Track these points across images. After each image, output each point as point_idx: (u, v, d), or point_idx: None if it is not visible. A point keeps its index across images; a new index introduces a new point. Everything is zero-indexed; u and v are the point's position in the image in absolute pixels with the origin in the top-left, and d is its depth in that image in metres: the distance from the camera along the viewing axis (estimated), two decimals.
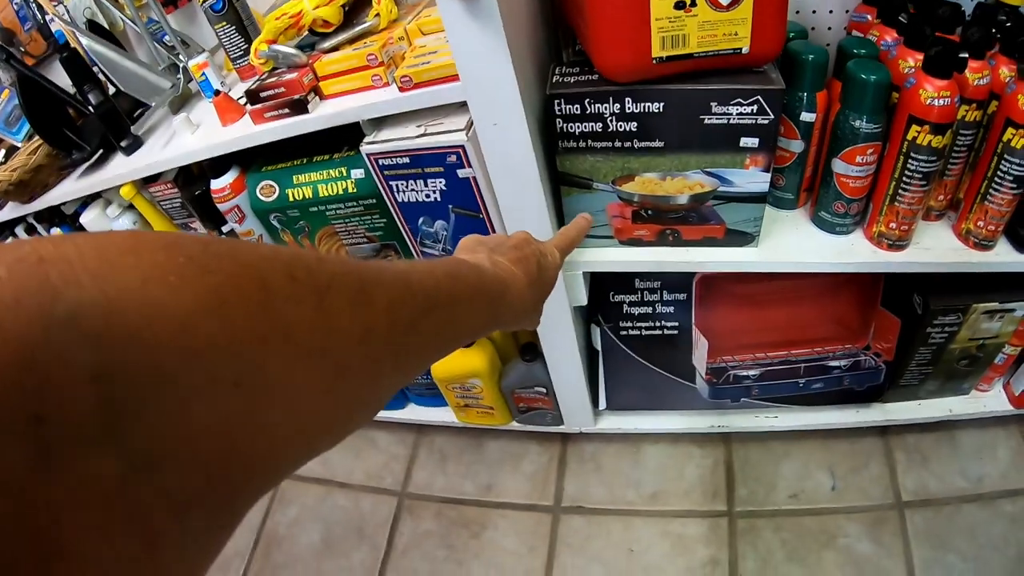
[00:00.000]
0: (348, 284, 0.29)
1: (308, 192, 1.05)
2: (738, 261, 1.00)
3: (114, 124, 1.13)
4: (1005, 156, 0.91)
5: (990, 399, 1.31)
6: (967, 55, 0.84)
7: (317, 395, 0.26)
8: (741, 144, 0.89)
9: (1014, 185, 0.92)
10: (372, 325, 0.30)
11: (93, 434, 0.18)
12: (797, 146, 0.99)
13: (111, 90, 1.17)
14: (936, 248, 1.01)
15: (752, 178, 0.92)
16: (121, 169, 1.12)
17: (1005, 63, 0.90)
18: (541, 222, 0.97)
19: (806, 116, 0.96)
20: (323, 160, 1.06)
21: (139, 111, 1.21)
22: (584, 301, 1.10)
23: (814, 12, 1.09)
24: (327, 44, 1.00)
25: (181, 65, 1.21)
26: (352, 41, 1.00)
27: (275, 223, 1.11)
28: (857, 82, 0.89)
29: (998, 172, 0.92)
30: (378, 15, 0.99)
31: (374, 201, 1.06)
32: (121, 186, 1.15)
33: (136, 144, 1.15)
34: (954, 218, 1.02)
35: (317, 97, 0.99)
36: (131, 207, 1.25)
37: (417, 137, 0.95)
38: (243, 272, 0.23)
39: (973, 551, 1.25)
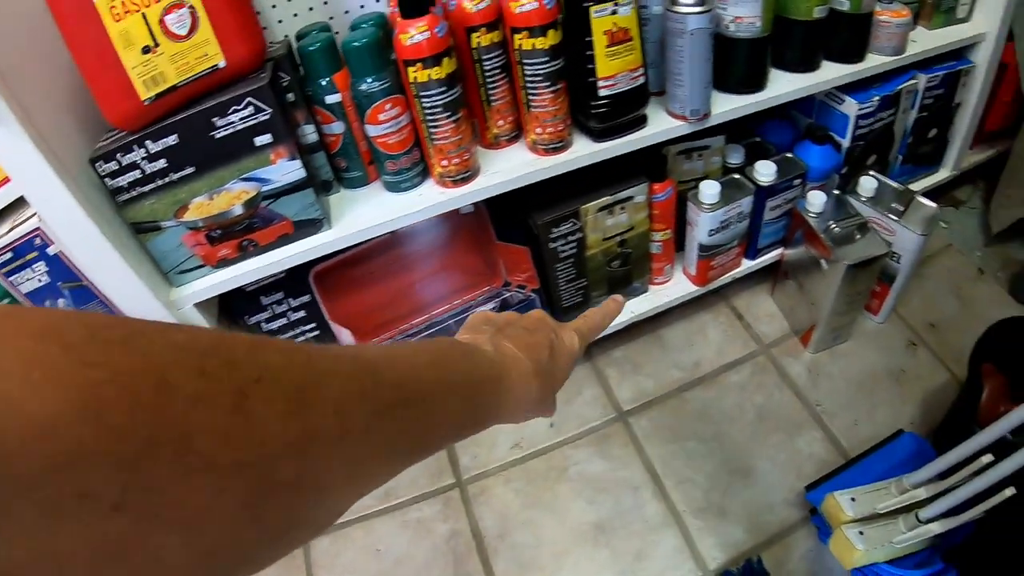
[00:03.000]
0: (285, 380, 0.26)
1: None
2: (317, 246, 1.09)
3: None
4: (524, 62, 1.04)
5: (672, 288, 1.43)
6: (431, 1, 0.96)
7: (231, 520, 0.23)
8: (257, 144, 1.00)
9: (546, 83, 1.05)
10: (314, 431, 0.26)
11: None
12: (338, 127, 1.10)
13: None
14: (506, 169, 1.12)
15: (284, 169, 1.02)
16: None
17: None
18: (126, 276, 1.05)
19: (330, 99, 1.07)
20: None
21: None
22: None
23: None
24: None
25: None
26: None
27: None
28: (349, 50, 1.01)
29: (526, 78, 1.05)
30: None
31: (9, 301, 1.14)
32: None
33: None
34: None
35: None
36: None
37: (9, 231, 1.05)
38: (137, 366, 0.20)
39: (711, 430, 1.35)
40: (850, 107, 1.38)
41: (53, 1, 0.84)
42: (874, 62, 1.37)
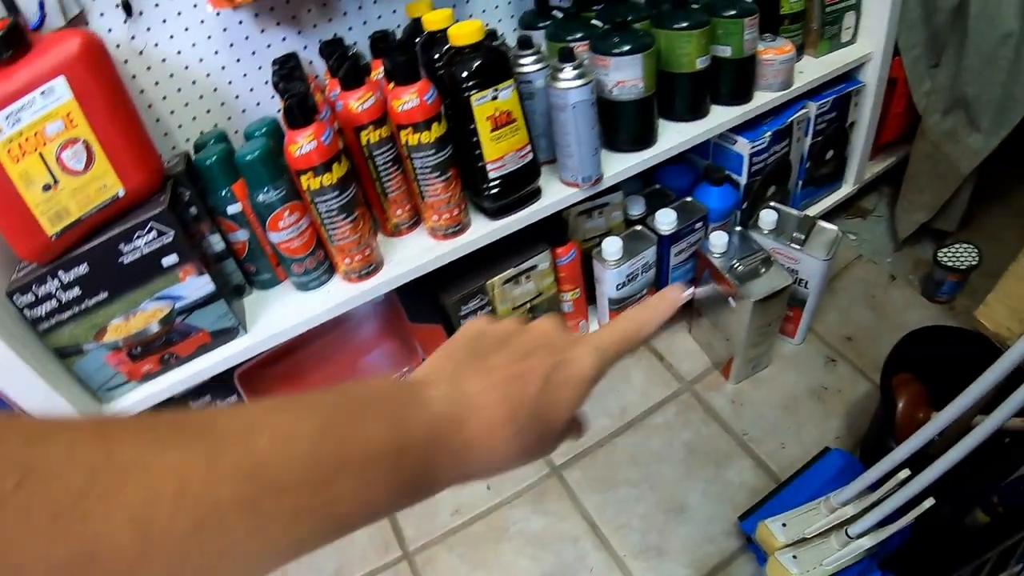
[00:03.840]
0: (59, 483, 0.21)
1: None
2: (236, 352, 1.13)
3: None
4: (412, 156, 1.09)
5: None
6: (314, 104, 1.01)
7: None
8: (165, 264, 1.03)
9: (436, 173, 1.10)
10: (93, 552, 0.21)
11: None
12: (243, 235, 1.14)
13: None
14: (409, 257, 1.17)
15: (194, 286, 1.06)
16: None
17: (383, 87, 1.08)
18: (55, 400, 1.07)
19: (232, 208, 1.12)
20: None
21: None
22: None
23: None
24: None
25: None
26: None
27: None
28: (243, 164, 1.06)
29: (416, 171, 1.11)
30: None
31: None
32: None
33: None
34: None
35: None
36: None
37: None
38: None
39: (642, 472, 1.41)
40: (743, 146, 1.46)
41: None
42: (762, 99, 1.45)
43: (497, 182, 1.13)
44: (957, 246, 1.71)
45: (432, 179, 1.09)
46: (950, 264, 1.66)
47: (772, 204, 1.51)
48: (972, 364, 0.89)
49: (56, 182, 0.93)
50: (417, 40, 1.18)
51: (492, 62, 1.05)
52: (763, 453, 1.43)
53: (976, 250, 1.69)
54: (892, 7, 1.61)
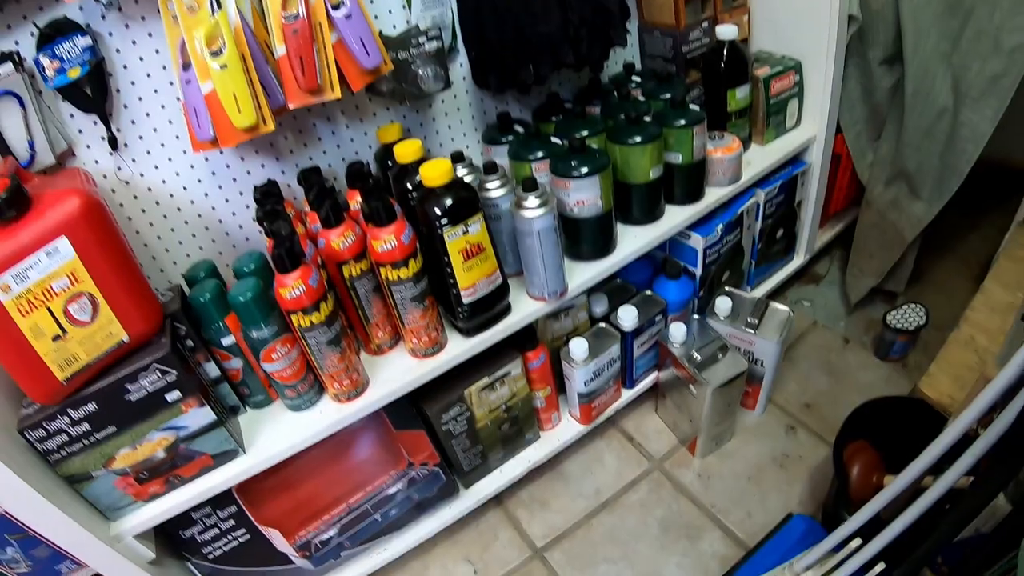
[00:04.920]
0: None
1: None
2: (238, 473, 1.23)
3: None
4: (391, 288, 1.21)
5: (561, 430, 1.61)
6: (300, 250, 1.12)
7: None
8: (169, 399, 1.13)
9: (414, 302, 1.21)
10: None
11: None
12: (237, 363, 1.24)
13: None
14: (391, 378, 1.28)
15: (196, 416, 1.16)
16: None
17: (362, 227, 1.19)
18: (66, 523, 1.14)
19: (226, 340, 1.22)
20: None
21: None
22: (152, 555, 1.32)
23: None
24: None
25: None
26: None
27: None
28: (236, 305, 1.16)
29: (396, 301, 1.22)
30: None
31: None
32: None
33: None
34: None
35: None
36: None
37: None
38: None
39: (619, 551, 1.52)
40: (696, 241, 1.58)
41: None
42: (714, 196, 1.57)
43: (470, 304, 1.24)
44: (905, 307, 1.83)
45: (411, 308, 1.21)
46: (898, 327, 1.79)
47: (727, 290, 1.64)
48: (920, 430, 1.00)
49: (64, 332, 1.01)
50: (389, 168, 1.31)
51: (462, 200, 1.16)
52: (731, 523, 1.54)
53: (923, 309, 1.82)
54: (832, 90, 1.74)
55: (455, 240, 1.17)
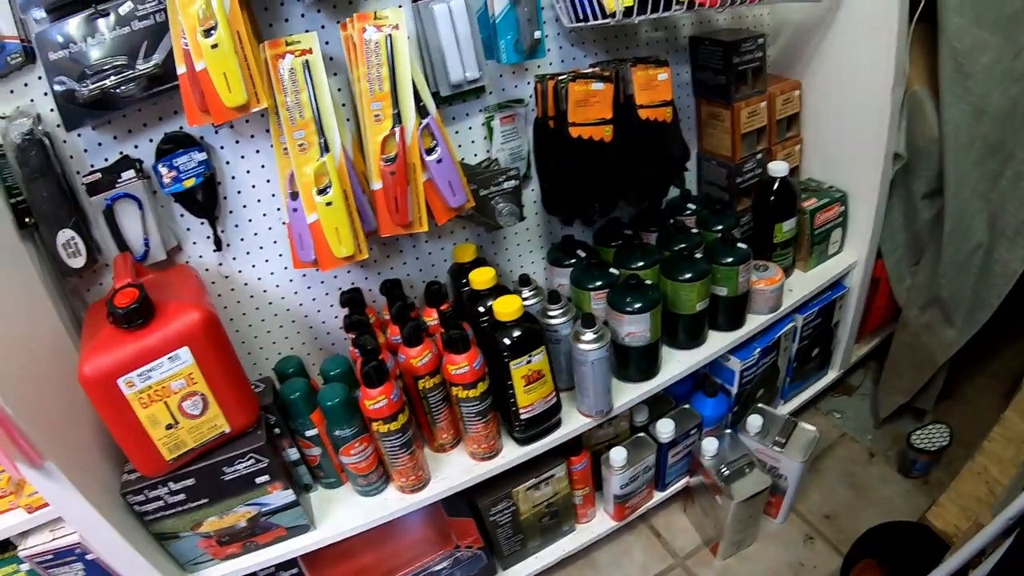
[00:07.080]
0: None
1: None
2: (307, 545, 1.41)
3: None
4: (461, 404, 1.40)
5: (595, 525, 1.79)
6: (386, 369, 1.30)
7: None
8: (258, 482, 1.33)
9: (478, 417, 1.40)
10: None
11: None
12: (316, 451, 1.44)
13: None
14: (451, 475, 1.47)
15: (279, 497, 1.35)
16: None
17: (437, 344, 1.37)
18: (146, 569, 1.34)
19: (309, 432, 1.42)
20: None
21: None
22: None
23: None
24: None
25: None
26: None
27: None
28: (325, 408, 1.35)
29: (463, 414, 1.41)
30: None
31: None
32: None
33: None
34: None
35: None
36: None
37: (52, 541, 1.37)
38: None
39: None
40: (735, 364, 1.75)
41: (92, 395, 1.13)
42: (754, 323, 1.74)
43: (527, 420, 1.43)
44: (931, 427, 1.96)
45: (475, 420, 1.40)
46: (922, 447, 1.92)
47: (759, 407, 1.80)
48: (926, 556, 1.12)
49: (177, 423, 1.21)
50: (462, 285, 1.50)
51: (528, 334, 1.35)
52: None
53: (948, 430, 1.94)
54: (876, 218, 1.89)
55: (519, 368, 1.36)
